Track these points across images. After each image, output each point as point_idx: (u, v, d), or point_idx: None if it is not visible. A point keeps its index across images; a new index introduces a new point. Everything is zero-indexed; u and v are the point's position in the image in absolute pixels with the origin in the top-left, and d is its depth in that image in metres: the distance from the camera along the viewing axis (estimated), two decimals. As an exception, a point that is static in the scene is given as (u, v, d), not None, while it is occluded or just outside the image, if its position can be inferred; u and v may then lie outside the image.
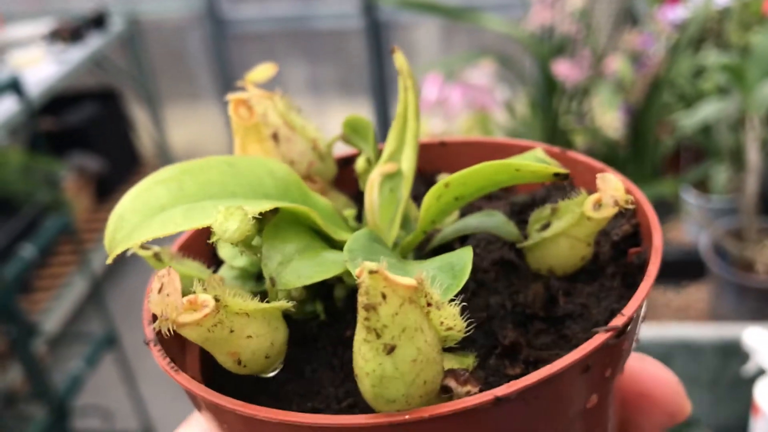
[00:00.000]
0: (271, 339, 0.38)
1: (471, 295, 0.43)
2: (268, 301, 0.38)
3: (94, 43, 3.43)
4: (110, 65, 3.70)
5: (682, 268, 2.11)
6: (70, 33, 3.36)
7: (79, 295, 3.30)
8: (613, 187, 0.39)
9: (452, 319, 0.33)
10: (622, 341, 0.37)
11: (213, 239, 0.38)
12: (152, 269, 0.42)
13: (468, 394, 0.33)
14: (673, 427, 0.45)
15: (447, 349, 0.36)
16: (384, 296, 0.30)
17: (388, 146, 0.47)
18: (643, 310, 0.40)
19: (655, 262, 0.39)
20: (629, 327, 0.36)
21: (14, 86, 2.19)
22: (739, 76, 1.71)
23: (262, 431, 0.35)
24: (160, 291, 0.33)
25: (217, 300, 0.35)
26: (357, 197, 0.51)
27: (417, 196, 0.51)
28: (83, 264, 2.49)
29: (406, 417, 0.32)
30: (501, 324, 0.41)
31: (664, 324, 1.68)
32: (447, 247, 0.45)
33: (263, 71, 0.48)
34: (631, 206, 0.40)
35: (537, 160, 0.42)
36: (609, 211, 0.40)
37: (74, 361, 2.49)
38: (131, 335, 3.28)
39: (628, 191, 0.41)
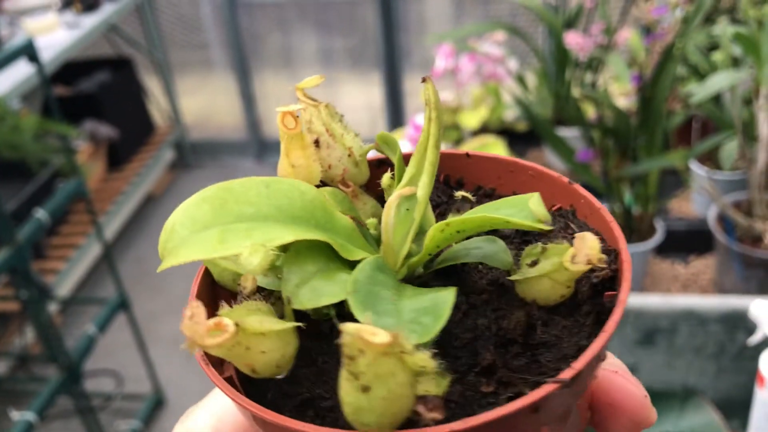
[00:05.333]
0: (282, 352, 0.44)
1: (462, 316, 0.48)
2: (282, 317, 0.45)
3: (107, 10, 3.43)
4: (123, 33, 3.70)
5: (689, 241, 2.11)
6: (83, 0, 3.36)
7: (91, 260, 3.33)
8: (588, 246, 0.44)
9: (423, 362, 0.38)
10: (573, 387, 0.40)
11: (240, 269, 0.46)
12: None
13: (433, 420, 0.39)
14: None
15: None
16: (361, 351, 0.36)
17: (408, 171, 0.52)
18: (603, 353, 0.44)
19: (615, 318, 0.43)
20: (579, 378, 0.40)
21: (28, 51, 2.19)
22: (752, 47, 1.70)
23: None
24: (191, 318, 0.40)
25: (237, 325, 0.41)
26: (383, 200, 0.58)
27: (438, 204, 0.59)
28: (96, 230, 2.51)
29: None
30: (484, 344, 0.46)
31: (670, 295, 1.69)
32: (450, 266, 0.52)
33: (312, 80, 0.54)
34: (603, 265, 0.44)
35: (526, 211, 0.47)
36: (582, 268, 0.44)
37: (86, 325, 2.53)
38: (143, 300, 3.32)
39: (611, 245, 0.47)
